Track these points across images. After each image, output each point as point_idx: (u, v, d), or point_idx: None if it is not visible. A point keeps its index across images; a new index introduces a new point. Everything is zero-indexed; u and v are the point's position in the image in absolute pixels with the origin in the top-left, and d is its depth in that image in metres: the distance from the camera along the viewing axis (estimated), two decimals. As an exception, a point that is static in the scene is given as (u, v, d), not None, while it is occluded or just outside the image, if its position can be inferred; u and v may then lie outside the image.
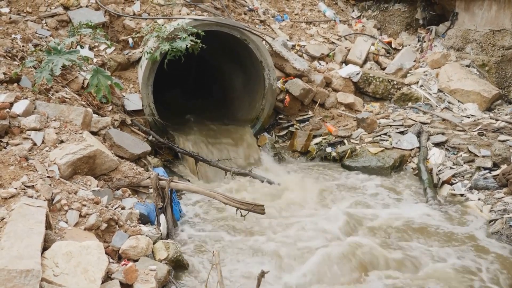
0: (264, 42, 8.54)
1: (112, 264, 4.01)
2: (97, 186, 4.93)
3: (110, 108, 6.72)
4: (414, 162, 7.37)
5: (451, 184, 6.71)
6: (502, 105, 8.88)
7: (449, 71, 9.19)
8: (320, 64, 9.51)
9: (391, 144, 7.71)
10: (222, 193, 5.22)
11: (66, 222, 4.26)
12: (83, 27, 6.58)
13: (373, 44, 9.98)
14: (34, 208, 3.83)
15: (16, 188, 4.20)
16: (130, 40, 8.18)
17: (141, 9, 8.61)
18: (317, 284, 4.60)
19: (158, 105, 7.60)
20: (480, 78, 9.08)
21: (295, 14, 10.78)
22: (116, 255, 4.26)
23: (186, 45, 7.04)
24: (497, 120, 8.11)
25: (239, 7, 10.06)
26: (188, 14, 8.77)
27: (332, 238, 5.38)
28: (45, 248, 3.62)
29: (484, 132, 7.69)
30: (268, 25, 9.95)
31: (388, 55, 10.12)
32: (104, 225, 4.36)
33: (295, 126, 8.50)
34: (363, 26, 10.94)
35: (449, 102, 8.89)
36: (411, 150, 7.56)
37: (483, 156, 6.89)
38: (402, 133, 7.90)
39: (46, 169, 4.67)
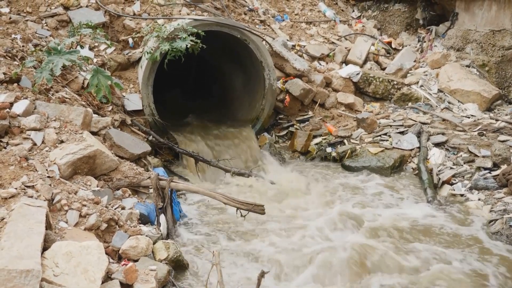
0: (264, 42, 8.53)
1: (112, 264, 4.01)
2: (97, 186, 4.93)
3: (110, 108, 6.72)
4: (414, 162, 7.36)
5: (451, 184, 6.71)
6: (502, 105, 8.88)
7: (449, 71, 9.18)
8: (320, 64, 9.51)
9: (391, 144, 7.71)
10: (222, 193, 5.21)
11: (66, 222, 4.26)
12: (83, 27, 6.57)
13: (373, 44, 9.98)
14: (34, 208, 3.83)
15: (16, 188, 4.19)
16: (130, 40, 8.18)
17: (141, 9, 8.61)
18: (321, 287, 4.59)
19: (158, 105, 7.60)
20: (480, 78, 9.07)
21: (295, 14, 10.78)
22: (116, 255, 4.25)
23: (186, 45, 7.04)
24: (497, 120, 8.11)
25: (239, 7, 10.06)
26: (188, 14, 8.77)
27: (334, 239, 5.37)
28: (45, 248, 3.62)
29: (484, 132, 7.69)
30: (268, 25, 9.94)
31: (388, 55, 10.11)
32: (104, 225, 4.35)
33: (295, 126, 8.50)
34: (363, 26, 10.93)
35: (449, 102, 8.89)
36: (411, 150, 7.56)
37: (483, 156, 6.90)
38: (402, 133, 7.89)
39: (46, 169, 4.66)
